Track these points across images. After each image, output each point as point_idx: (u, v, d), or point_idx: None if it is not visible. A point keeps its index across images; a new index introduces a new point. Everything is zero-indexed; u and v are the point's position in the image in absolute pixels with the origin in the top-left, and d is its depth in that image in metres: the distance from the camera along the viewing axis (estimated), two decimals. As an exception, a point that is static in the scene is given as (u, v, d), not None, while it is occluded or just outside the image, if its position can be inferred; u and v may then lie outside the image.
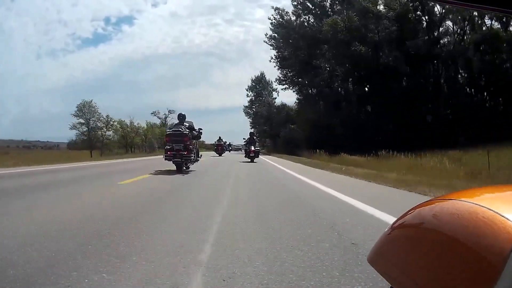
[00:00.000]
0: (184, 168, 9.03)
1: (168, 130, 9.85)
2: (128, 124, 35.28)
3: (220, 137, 31.89)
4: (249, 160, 16.73)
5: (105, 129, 33.44)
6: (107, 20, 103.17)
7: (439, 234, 0.49)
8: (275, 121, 39.20)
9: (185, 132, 8.90)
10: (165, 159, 8.95)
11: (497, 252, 0.41)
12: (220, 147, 28.85)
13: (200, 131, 10.13)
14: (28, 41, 68.78)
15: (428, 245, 0.50)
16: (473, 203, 0.49)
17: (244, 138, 19.49)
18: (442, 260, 0.46)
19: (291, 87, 35.38)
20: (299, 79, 33.76)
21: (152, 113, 44.59)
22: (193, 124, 10.07)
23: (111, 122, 33.81)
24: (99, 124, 32.99)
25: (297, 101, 35.94)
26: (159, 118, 44.18)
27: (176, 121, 9.71)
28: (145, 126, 38.68)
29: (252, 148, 16.71)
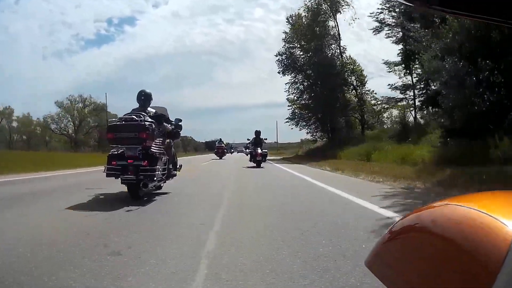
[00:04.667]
0: (145, 189, 4.77)
1: (112, 120, 5.41)
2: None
3: (220, 139, 29.76)
4: (255, 165, 13.39)
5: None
6: (109, 21, 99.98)
7: (437, 238, 0.50)
8: None
9: (144, 124, 4.68)
10: (108, 175, 4.74)
11: (494, 257, 0.41)
12: (220, 150, 27.07)
13: (179, 124, 5.92)
14: (33, 43, 65.84)
15: (426, 249, 0.50)
16: (471, 208, 0.49)
17: (248, 139, 15.86)
18: (439, 264, 0.46)
19: None
20: None
21: None
22: (167, 111, 5.87)
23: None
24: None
25: None
26: None
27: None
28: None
29: (259, 151, 13.52)
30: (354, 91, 24.93)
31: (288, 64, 24.79)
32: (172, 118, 5.85)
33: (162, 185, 5.70)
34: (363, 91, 25.06)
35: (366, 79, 25.33)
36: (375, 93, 25.09)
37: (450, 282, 0.44)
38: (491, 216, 0.45)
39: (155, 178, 4.85)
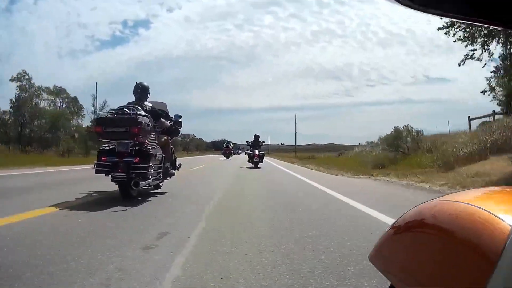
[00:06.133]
0: (136, 188, 4.35)
1: (102, 113, 5.02)
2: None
3: (227, 141, 33.75)
4: (253, 165, 15.00)
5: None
6: (124, 24, 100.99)
7: (438, 233, 0.52)
8: None
9: (137, 117, 4.33)
10: (97, 172, 4.41)
11: (492, 249, 0.42)
12: (228, 151, 29.79)
13: (179, 120, 5.55)
14: (49, 43, 66.42)
15: (428, 243, 0.52)
16: (470, 204, 0.50)
17: (247, 141, 17.30)
18: (440, 257, 0.48)
19: None
20: None
21: None
22: (166, 107, 5.52)
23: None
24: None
25: None
26: None
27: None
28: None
29: (257, 153, 15.23)
30: None
31: None
32: (172, 115, 5.50)
33: (161, 184, 5.35)
34: None
35: None
36: None
37: (451, 273, 0.45)
38: (488, 212, 0.47)
39: (148, 177, 4.49)
